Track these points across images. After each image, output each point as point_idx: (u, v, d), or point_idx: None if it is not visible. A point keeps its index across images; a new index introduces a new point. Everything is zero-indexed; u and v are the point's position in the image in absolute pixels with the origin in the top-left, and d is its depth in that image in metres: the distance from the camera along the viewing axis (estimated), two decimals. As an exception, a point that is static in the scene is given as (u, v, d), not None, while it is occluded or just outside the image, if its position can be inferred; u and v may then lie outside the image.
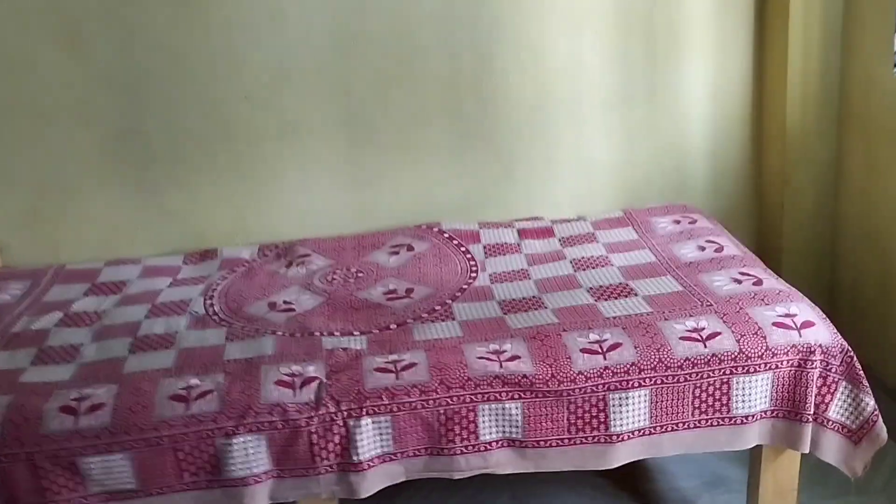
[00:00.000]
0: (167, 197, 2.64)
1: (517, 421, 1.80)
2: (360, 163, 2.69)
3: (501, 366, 1.81)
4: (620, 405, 1.80)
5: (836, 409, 1.86)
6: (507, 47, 2.62)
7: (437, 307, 2.14)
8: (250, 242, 2.68)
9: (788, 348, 1.83)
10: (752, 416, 1.85)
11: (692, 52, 2.70)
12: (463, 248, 2.50)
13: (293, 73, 2.58)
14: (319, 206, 2.72)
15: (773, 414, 1.86)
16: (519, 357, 1.84)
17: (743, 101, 2.76)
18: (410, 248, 2.51)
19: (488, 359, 1.83)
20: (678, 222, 2.52)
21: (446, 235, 2.57)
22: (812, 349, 1.84)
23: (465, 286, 2.26)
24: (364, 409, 1.76)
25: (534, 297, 2.16)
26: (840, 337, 1.88)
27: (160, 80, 2.53)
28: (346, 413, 1.76)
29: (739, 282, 2.08)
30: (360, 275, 2.38)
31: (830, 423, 1.86)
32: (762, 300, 1.97)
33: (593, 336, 1.89)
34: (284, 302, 2.24)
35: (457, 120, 2.68)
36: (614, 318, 1.97)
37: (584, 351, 1.84)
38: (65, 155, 2.56)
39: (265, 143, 2.64)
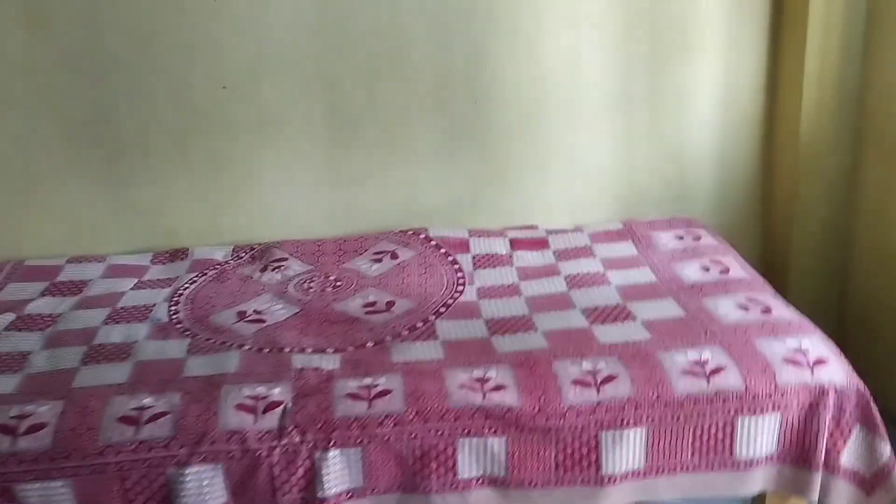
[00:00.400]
0: (136, 191, 2.47)
1: (500, 458, 1.64)
2: (344, 161, 2.52)
3: (485, 397, 1.65)
4: (614, 444, 1.65)
5: (849, 456, 1.71)
6: (502, 42, 2.44)
7: (419, 324, 1.97)
8: (224, 242, 2.52)
9: (799, 388, 1.68)
10: (757, 460, 1.69)
11: (700, 51, 2.52)
12: (450, 258, 2.33)
13: (273, 62, 2.40)
14: (299, 205, 2.55)
15: (780, 459, 1.71)
16: (504, 387, 1.67)
17: (753, 106, 2.59)
18: (394, 256, 2.34)
19: (470, 388, 1.67)
20: (681, 238, 2.36)
21: (433, 243, 2.41)
22: (825, 390, 1.68)
23: (450, 301, 2.10)
24: (332, 440, 1.60)
25: (524, 316, 1.99)
26: (856, 376, 1.72)
27: (131, 66, 2.35)
28: (311, 444, 1.60)
29: (746, 309, 1.92)
30: (339, 284, 2.21)
31: (842, 470, 1.71)
32: (771, 331, 1.81)
33: (586, 365, 1.73)
34: (255, 311, 2.07)
35: (447, 118, 2.51)
36: (610, 345, 1.81)
37: (575, 383, 1.68)
38: (27, 143, 2.38)
39: (243, 136, 2.47)
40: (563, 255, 2.34)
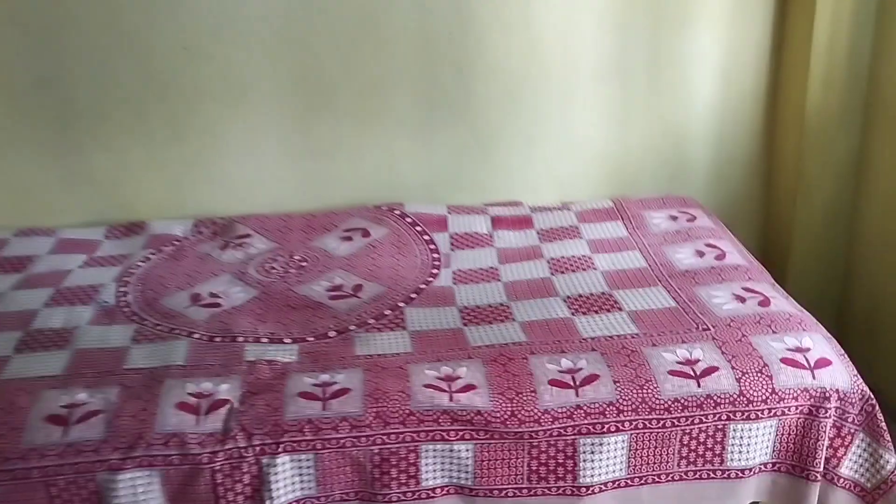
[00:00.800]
0: (90, 159, 2.29)
1: (467, 465, 1.49)
2: (315, 130, 2.34)
3: (452, 398, 1.50)
4: (592, 452, 1.50)
5: (850, 465, 1.56)
6: (488, 4, 2.25)
7: (388, 311, 1.82)
8: (186, 216, 2.34)
9: (798, 392, 1.53)
10: (750, 469, 1.55)
11: (702, 19, 2.33)
12: (426, 237, 2.17)
13: (239, 21, 2.22)
14: (266, 177, 2.37)
15: (775, 468, 1.56)
16: (474, 387, 1.52)
17: (757, 78, 2.41)
18: (366, 234, 2.18)
19: (437, 388, 1.52)
20: (675, 219, 2.20)
21: (408, 220, 2.24)
22: (826, 394, 1.53)
23: (423, 286, 1.94)
24: (281, 445, 1.45)
25: (501, 304, 1.84)
26: (860, 380, 1.57)
27: (84, 23, 2.16)
28: (258, 448, 1.44)
29: (743, 300, 1.77)
30: (304, 264, 2.05)
31: (842, 480, 1.57)
32: (769, 326, 1.66)
33: (566, 362, 1.58)
34: (210, 294, 1.91)
35: (428, 86, 2.32)
36: (593, 339, 1.66)
37: (552, 383, 1.52)
38: (-32, 105, 2.21)
39: (206, 102, 2.28)
40: (547, 235, 2.17)
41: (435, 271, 2.01)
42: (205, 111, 2.29)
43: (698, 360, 1.57)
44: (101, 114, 2.25)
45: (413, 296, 1.89)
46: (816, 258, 2.38)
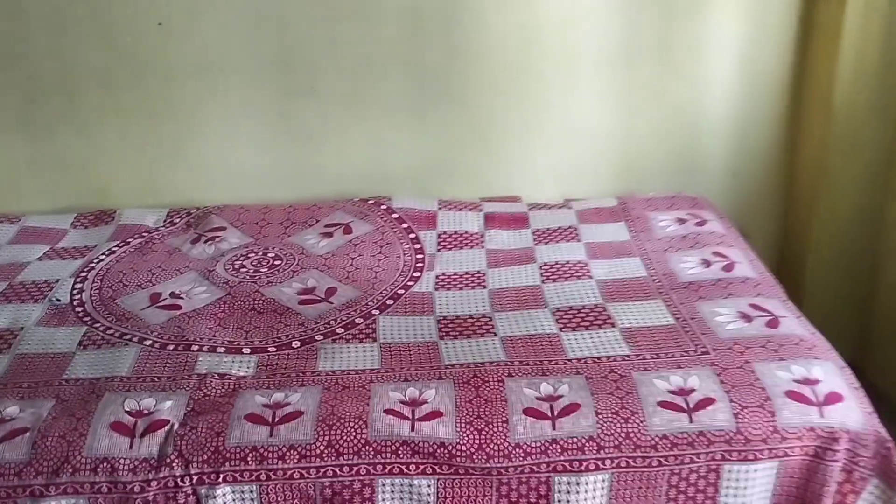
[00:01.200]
0: (59, 141, 2.17)
1: (428, 502, 1.34)
2: (298, 114, 2.19)
3: (413, 427, 1.35)
4: (569, 492, 1.34)
5: (861, 515, 1.39)
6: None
7: (359, 320, 1.67)
8: (162, 204, 2.21)
9: (804, 431, 1.35)
10: (746, 515, 1.38)
11: (722, -2, 2.13)
12: (412, 235, 2.01)
13: (217, -4, 2.06)
14: (247, 164, 2.23)
15: (775, 515, 1.40)
16: (440, 414, 1.37)
17: (780, 66, 2.20)
18: (348, 230, 2.02)
19: (398, 414, 1.37)
20: (683, 222, 2.01)
21: (395, 216, 2.08)
22: (835, 435, 1.35)
23: (402, 290, 1.78)
24: (221, 474, 1.31)
25: (484, 315, 1.68)
26: (876, 418, 1.39)
27: (49, -5, 2.02)
28: (196, 477, 1.31)
29: (749, 318, 1.59)
30: (278, 262, 1.90)
31: (850, 531, 1.40)
32: (775, 352, 1.48)
33: (546, 387, 1.42)
34: (172, 295, 1.77)
35: (419, 69, 2.16)
36: (579, 360, 1.50)
37: (528, 413, 1.37)
38: (-70, 82, 2.08)
39: (182, 81, 2.15)
40: (543, 236, 2.00)
41: (417, 274, 1.86)
42: (181, 92, 2.15)
43: (693, 391, 1.40)
44: (70, 92, 2.13)
45: (389, 302, 1.74)
46: (838, 268, 2.19)
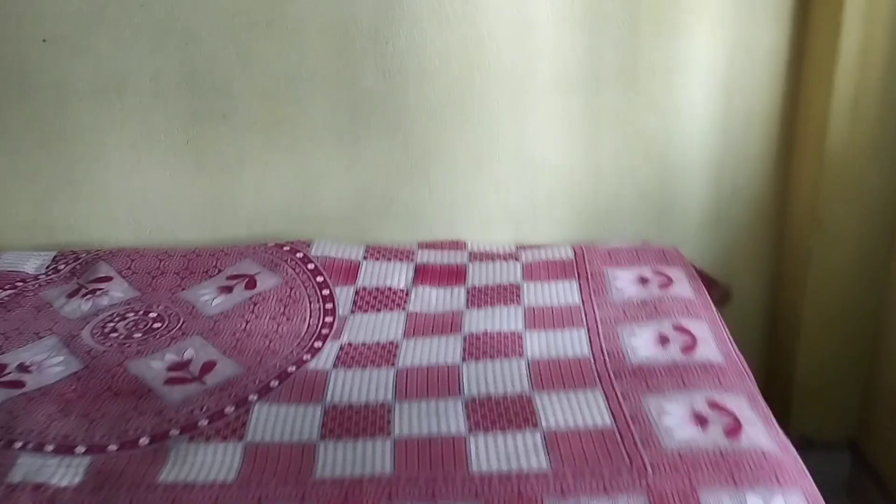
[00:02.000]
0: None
1: None
2: (211, 142, 1.90)
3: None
4: None
5: None
6: (420, -9, 1.77)
7: (230, 408, 1.38)
8: (54, 244, 1.94)
9: None
10: None
11: (698, 15, 1.80)
12: (326, 291, 1.71)
13: (111, 6, 1.78)
14: (151, 199, 1.95)
15: None
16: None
17: (768, 95, 1.86)
18: (251, 285, 1.73)
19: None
20: (645, 282, 1.70)
21: (311, 266, 1.79)
22: None
23: (292, 367, 1.49)
24: None
25: (381, 405, 1.38)
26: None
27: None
28: None
29: (704, 422, 1.28)
30: (157, 325, 1.62)
31: None
32: (731, 474, 1.17)
33: (428, 520, 1.12)
34: (20, 367, 1.49)
35: (350, 90, 1.86)
36: (481, 476, 1.19)
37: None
38: None
39: (74, 103, 1.87)
40: (477, 296, 1.70)
41: (318, 344, 1.56)
42: (74, 115, 1.88)
43: (616, 534, 1.09)
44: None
45: (274, 383, 1.44)
46: (835, 332, 1.86)
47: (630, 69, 1.84)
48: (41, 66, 1.83)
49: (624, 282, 1.71)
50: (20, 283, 1.77)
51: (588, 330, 1.56)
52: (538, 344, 1.52)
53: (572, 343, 1.52)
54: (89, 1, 1.78)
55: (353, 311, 1.67)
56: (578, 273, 1.76)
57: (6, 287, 1.75)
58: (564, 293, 1.69)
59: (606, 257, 1.81)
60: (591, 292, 1.68)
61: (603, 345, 1.51)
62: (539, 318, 1.61)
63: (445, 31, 1.81)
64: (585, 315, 1.61)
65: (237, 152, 1.91)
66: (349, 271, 1.78)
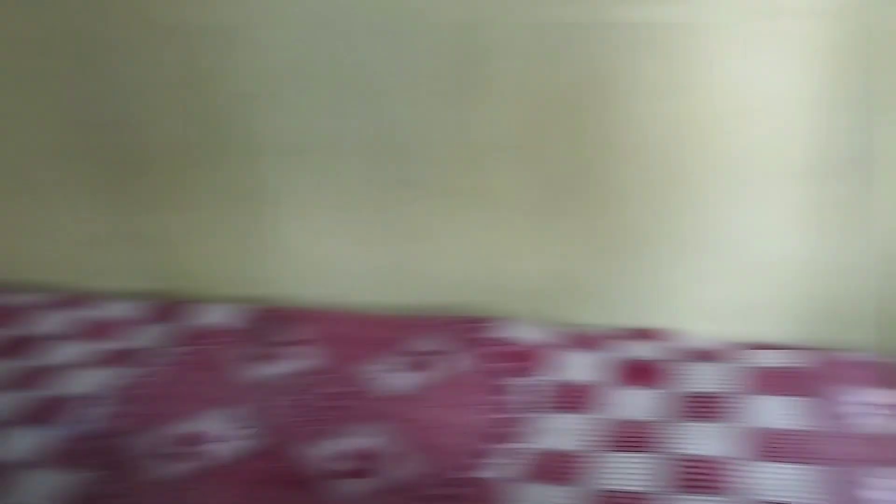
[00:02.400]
0: (133, 217, 1.94)
1: None
2: (393, 206, 1.81)
3: None
4: None
5: None
6: (640, 59, 1.58)
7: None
8: (237, 295, 1.93)
9: None
10: None
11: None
12: (497, 381, 1.56)
13: (304, 64, 1.74)
14: (335, 259, 1.89)
15: None
16: None
17: None
18: (421, 365, 1.61)
19: None
20: (889, 411, 1.42)
21: (488, 349, 1.65)
22: None
23: (462, 477, 1.34)
24: None
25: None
26: None
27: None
28: None
29: None
30: (338, 402, 1.53)
31: None
32: None
33: None
34: (189, 438, 1.45)
35: (544, 163, 1.71)
36: None
37: None
38: None
39: (266, 158, 1.84)
40: (687, 406, 1.48)
41: (489, 447, 1.40)
42: (263, 169, 1.85)
43: None
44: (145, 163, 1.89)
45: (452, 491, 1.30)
46: None
47: (867, 154, 1.57)
48: (238, 123, 1.83)
49: (860, 407, 1.43)
50: (209, 337, 1.75)
51: (815, 466, 1.30)
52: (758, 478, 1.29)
53: (793, 484, 1.27)
54: (284, 58, 1.74)
55: (536, 412, 1.50)
56: (804, 385, 1.49)
57: (197, 342, 1.73)
58: (782, 413, 1.44)
59: (835, 371, 1.53)
60: (820, 416, 1.42)
61: (830, 490, 1.25)
62: (757, 443, 1.37)
63: (659, 102, 1.62)
64: (813, 447, 1.35)
65: (420, 219, 1.82)
66: (527, 357, 1.62)
